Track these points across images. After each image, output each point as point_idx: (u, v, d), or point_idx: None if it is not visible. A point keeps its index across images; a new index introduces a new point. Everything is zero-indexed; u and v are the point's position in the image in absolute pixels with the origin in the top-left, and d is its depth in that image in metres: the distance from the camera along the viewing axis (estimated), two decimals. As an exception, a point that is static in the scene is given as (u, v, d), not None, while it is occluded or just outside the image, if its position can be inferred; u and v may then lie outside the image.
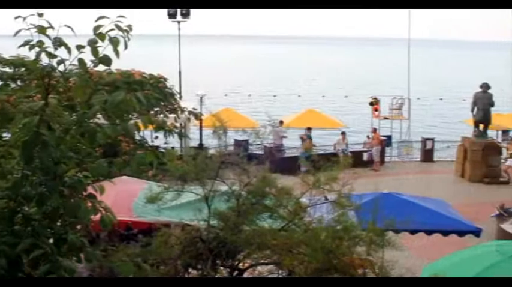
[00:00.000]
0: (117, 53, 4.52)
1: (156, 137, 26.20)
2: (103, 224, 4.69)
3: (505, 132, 36.60)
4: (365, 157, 34.35)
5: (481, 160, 31.37)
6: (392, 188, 20.51)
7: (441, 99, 71.37)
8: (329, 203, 7.96)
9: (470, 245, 13.81)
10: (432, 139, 37.04)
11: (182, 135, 23.85)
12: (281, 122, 34.78)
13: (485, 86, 31.87)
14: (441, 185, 30.56)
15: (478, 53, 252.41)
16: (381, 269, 7.13)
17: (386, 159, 36.35)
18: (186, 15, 39.78)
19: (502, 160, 32.26)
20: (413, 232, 15.60)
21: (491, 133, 35.53)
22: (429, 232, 15.75)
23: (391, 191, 17.07)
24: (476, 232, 15.92)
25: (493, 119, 34.05)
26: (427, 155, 36.44)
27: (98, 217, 4.79)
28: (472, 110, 32.28)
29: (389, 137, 37.68)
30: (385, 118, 40.43)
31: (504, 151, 32.72)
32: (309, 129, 35.09)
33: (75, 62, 4.51)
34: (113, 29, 4.43)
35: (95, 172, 4.66)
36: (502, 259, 10.59)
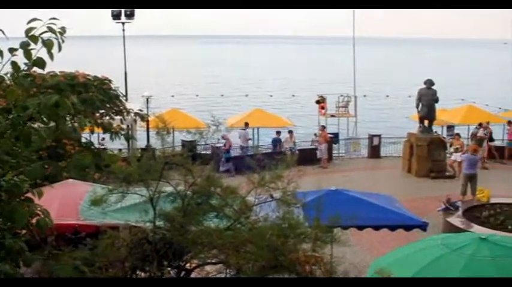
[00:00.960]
0: (51, 55, 4.44)
1: (103, 139, 25.98)
2: (39, 227, 4.62)
3: (449, 127, 37.19)
4: (318, 154, 34.56)
5: (426, 155, 31.85)
6: (341, 185, 20.69)
7: (387, 96, 72.22)
8: (275, 202, 7.97)
9: (417, 239, 13.99)
10: (379, 136, 37.41)
11: (129, 137, 23.61)
12: (246, 124, 35.02)
13: (429, 83, 32.34)
14: (388, 181, 30.93)
15: (429, 50, 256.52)
16: (326, 266, 7.18)
17: (334, 156, 36.62)
18: (130, 16, 39.44)
19: (447, 155, 32.76)
20: (361, 227, 15.80)
21: (437, 128, 36.04)
22: (376, 227, 15.94)
23: (339, 188, 17.21)
24: (423, 226, 16.16)
25: (438, 115, 34.58)
26: (374, 151, 36.83)
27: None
28: (417, 106, 32.77)
29: (336, 135, 38.01)
30: (332, 116, 40.71)
31: (449, 146, 33.25)
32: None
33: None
34: (46, 31, 4.35)
35: (30, 175, 4.59)
36: (447, 251, 10.75)
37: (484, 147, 33.92)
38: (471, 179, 26.17)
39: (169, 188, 8.32)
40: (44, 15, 4.51)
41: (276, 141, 34.92)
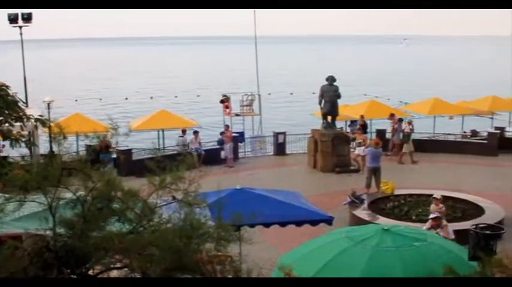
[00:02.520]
0: None
1: (3, 146, 25.28)
2: None
3: (353, 122, 37.81)
4: (222, 154, 34.53)
5: (331, 151, 32.31)
6: (247, 184, 20.84)
7: (291, 93, 73.02)
8: (178, 203, 7.90)
9: (325, 234, 14.13)
10: (283, 133, 37.68)
11: (30, 144, 22.98)
12: (184, 131, 34.76)
13: (331, 79, 32.78)
14: (294, 177, 31.22)
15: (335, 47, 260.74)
16: (231, 264, 7.18)
17: (240, 155, 36.67)
18: (27, 19, 38.36)
19: (351, 149, 33.32)
20: (267, 225, 15.85)
21: (340, 124, 36.60)
22: (283, 224, 16.03)
23: (245, 186, 17.28)
24: (329, 220, 16.37)
25: (341, 110, 35.14)
26: (280, 148, 37.08)
27: None
28: (320, 103, 33.18)
29: (241, 134, 38.06)
30: (237, 115, 40.79)
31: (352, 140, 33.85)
32: (183, 132, 35.22)
33: None
34: None
35: None
36: (351, 244, 10.94)
37: (410, 142, 34.69)
38: (375, 172, 26.71)
39: (69, 195, 8.14)
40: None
41: (183, 142, 34.71)
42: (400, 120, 36.32)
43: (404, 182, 27.95)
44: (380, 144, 28.32)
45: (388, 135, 37.64)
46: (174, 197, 7.74)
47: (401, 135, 35.23)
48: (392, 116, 37.01)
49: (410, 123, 35.54)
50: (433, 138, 39.41)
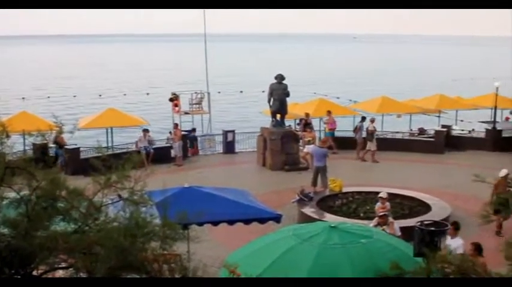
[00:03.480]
0: None
1: None
2: None
3: (301, 120, 37.96)
4: (173, 152, 34.37)
5: (280, 149, 32.45)
6: (196, 182, 20.76)
7: (241, 91, 73.07)
8: (124, 202, 7.84)
9: (273, 232, 14.18)
10: (233, 131, 37.67)
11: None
12: (144, 131, 34.44)
13: (280, 77, 32.89)
14: (244, 175, 31.25)
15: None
16: (177, 262, 7.16)
17: (190, 154, 36.55)
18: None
19: (300, 147, 33.48)
20: (215, 223, 15.86)
21: (289, 122, 36.76)
22: (231, 222, 16.05)
23: (194, 184, 17.23)
24: (277, 218, 16.44)
25: (290, 108, 35.29)
26: (229, 147, 37.07)
27: None
28: (269, 101, 33.25)
29: (192, 131, 37.90)
30: (186, 113, 40.64)
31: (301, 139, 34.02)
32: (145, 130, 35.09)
33: None
34: None
35: None
36: (298, 242, 11.00)
37: (374, 141, 34.99)
38: (320, 171, 26.81)
39: (13, 194, 8.01)
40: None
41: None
42: (363, 119, 36.64)
43: (356, 179, 28.29)
44: (327, 143, 28.45)
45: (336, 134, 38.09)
46: (120, 196, 7.69)
47: (364, 133, 35.53)
48: (329, 113, 37.24)
49: (373, 121, 35.90)
50: (382, 137, 39.82)
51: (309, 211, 23.27)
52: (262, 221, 16.29)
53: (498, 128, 39.51)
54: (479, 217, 8.21)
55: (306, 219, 21.42)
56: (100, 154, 7.83)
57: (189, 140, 36.78)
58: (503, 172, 19.46)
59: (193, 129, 38.08)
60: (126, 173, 7.15)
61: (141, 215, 6.97)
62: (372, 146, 34.74)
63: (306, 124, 35.68)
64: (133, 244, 6.68)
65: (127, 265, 6.71)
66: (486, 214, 8.05)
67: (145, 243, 6.79)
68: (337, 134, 38.30)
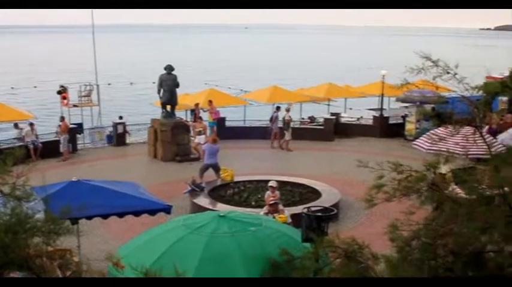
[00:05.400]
0: None
1: None
2: None
3: (192, 111, 37.88)
4: (61, 147, 33.55)
5: (171, 140, 32.32)
6: (86, 176, 20.46)
7: (132, 83, 72.22)
8: (5, 198, 7.60)
9: (164, 223, 14.14)
10: (123, 123, 37.20)
11: None
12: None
13: (169, 68, 32.72)
14: (135, 168, 30.97)
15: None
16: (63, 257, 7.01)
17: (79, 147, 35.87)
18: None
19: (191, 138, 33.44)
20: (105, 216, 15.68)
21: (180, 113, 36.67)
22: (121, 215, 15.89)
23: (83, 178, 16.94)
24: (167, 209, 16.39)
25: (181, 99, 35.19)
26: (120, 139, 36.56)
27: None
28: (159, 92, 33.03)
29: (80, 125, 37.17)
30: (75, 106, 39.78)
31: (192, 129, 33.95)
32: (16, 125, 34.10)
33: None
34: None
35: None
36: (188, 232, 11.01)
37: (290, 130, 35.36)
38: (211, 167, 26.87)
39: None
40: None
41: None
42: (278, 108, 36.86)
43: (250, 168, 28.55)
44: (217, 140, 28.59)
45: (227, 124, 38.32)
46: (1, 192, 7.45)
47: (279, 123, 35.74)
48: (210, 103, 37.31)
49: (288, 111, 36.22)
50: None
51: (200, 201, 23.32)
52: (152, 212, 16.22)
53: (385, 115, 40.66)
54: (365, 201, 8.41)
55: (198, 209, 21.44)
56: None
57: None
58: (444, 169, 19.81)
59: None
60: (7, 168, 6.92)
61: (23, 211, 6.77)
62: (287, 135, 35.11)
63: (197, 114, 35.65)
64: (15, 241, 6.49)
65: (8, 262, 6.53)
66: (370, 198, 8.24)
67: (27, 239, 6.61)
68: (227, 124, 38.52)
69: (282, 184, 23.42)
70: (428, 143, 21.18)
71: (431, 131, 15.34)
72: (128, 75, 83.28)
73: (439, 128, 9.24)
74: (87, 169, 29.97)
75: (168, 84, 32.50)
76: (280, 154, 34.44)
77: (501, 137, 26.17)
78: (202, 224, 11.11)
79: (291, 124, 35.97)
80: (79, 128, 36.52)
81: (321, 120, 40.16)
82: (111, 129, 37.35)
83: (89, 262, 6.91)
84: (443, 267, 7.79)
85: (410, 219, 8.10)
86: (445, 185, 8.46)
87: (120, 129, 36.62)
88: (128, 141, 37.22)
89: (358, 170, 8.69)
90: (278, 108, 36.88)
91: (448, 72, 7.76)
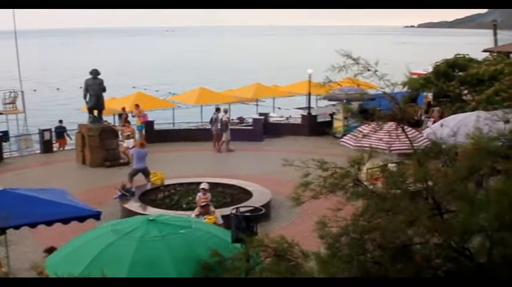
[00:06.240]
0: None
1: None
2: None
3: (120, 115, 37.53)
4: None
5: (99, 145, 31.91)
6: (14, 184, 20.08)
7: (58, 89, 71.20)
8: None
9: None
10: (50, 129, 36.53)
11: None
12: None
13: (95, 72, 32.32)
14: (64, 174, 30.44)
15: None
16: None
17: (6, 155, 35.07)
18: None
19: (120, 142, 33.12)
20: (33, 225, 15.38)
21: (108, 117, 36.26)
22: (49, 223, 15.59)
23: (9, 187, 16.61)
24: (96, 215, 16.17)
25: (108, 104, 34.82)
26: (47, 146, 35.92)
27: None
28: (85, 97, 32.61)
29: (5, 133, 36.35)
30: (0, 113, 38.97)
31: (120, 134, 33.64)
32: None
33: None
34: None
35: None
36: (118, 237, 10.88)
37: (228, 131, 35.26)
38: (141, 172, 26.68)
39: None
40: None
41: None
42: (217, 110, 36.70)
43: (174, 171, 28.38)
44: (145, 145, 28.33)
45: (156, 127, 38.14)
46: None
47: (219, 125, 35.59)
48: (137, 106, 37.05)
49: (226, 112, 36.22)
50: (202, 127, 40.29)
51: (131, 205, 23.13)
52: (81, 219, 15.97)
53: (313, 114, 41.04)
54: (292, 200, 8.49)
55: (129, 214, 21.15)
56: None
57: (56, 133, 36.64)
58: (370, 165, 20.02)
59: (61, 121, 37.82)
60: None
61: None
62: (226, 136, 35.04)
63: (125, 118, 35.31)
64: None
65: None
66: (297, 197, 8.33)
67: None
68: (156, 127, 38.33)
69: (213, 186, 23.44)
70: (355, 139, 21.49)
71: (358, 128, 15.57)
72: (54, 81, 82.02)
73: (364, 125, 9.39)
74: (13, 177, 29.33)
75: (94, 89, 32.11)
76: (211, 156, 34.41)
77: (426, 131, 26.74)
78: (132, 229, 11.01)
79: (229, 125, 35.96)
80: (5, 136, 35.72)
81: (250, 120, 40.27)
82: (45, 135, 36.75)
83: (16, 273, 6.80)
84: (371, 261, 7.93)
85: (339, 215, 8.22)
86: (371, 180, 8.61)
87: (46, 136, 35.97)
88: (55, 148, 36.59)
89: (288, 169, 8.75)
90: (218, 109, 36.79)
91: (368, 70, 7.91)
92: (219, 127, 35.70)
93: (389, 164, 9.05)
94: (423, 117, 37.83)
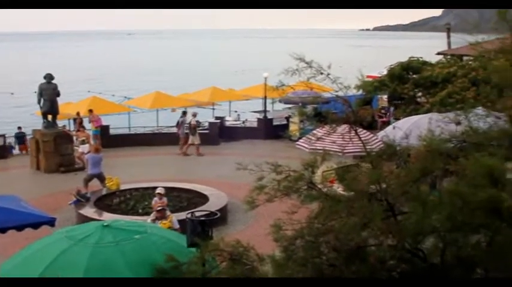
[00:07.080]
0: None
1: None
2: None
3: (75, 120, 37.23)
4: None
5: (53, 150, 31.56)
6: (-36, 191, 19.68)
7: (12, 93, 70.28)
8: None
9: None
10: (3, 135, 36.10)
11: None
12: None
13: (49, 77, 32.02)
14: (17, 181, 30.02)
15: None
16: None
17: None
18: None
19: (75, 147, 32.82)
20: (-15, 233, 15.14)
21: (63, 122, 35.97)
22: (2, 230, 15.34)
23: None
24: (51, 222, 15.96)
25: (62, 108, 34.50)
26: (1, 152, 35.48)
27: None
28: (39, 102, 32.28)
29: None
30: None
31: (76, 139, 33.36)
32: None
33: None
34: None
35: None
36: (72, 243, 10.76)
37: (197, 134, 35.28)
38: (96, 177, 26.46)
39: None
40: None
41: None
42: (184, 113, 36.55)
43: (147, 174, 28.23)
44: (100, 150, 28.13)
45: (112, 131, 37.90)
46: None
47: (185, 128, 35.44)
48: (90, 111, 36.77)
49: (195, 115, 36.09)
50: (158, 131, 40.16)
51: (86, 211, 22.94)
52: (35, 226, 15.74)
53: (269, 117, 41.17)
54: (246, 203, 8.50)
55: (85, 220, 20.97)
56: None
57: (17, 138, 36.79)
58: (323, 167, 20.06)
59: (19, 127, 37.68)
60: None
61: None
62: (195, 139, 34.93)
63: (80, 123, 35.02)
64: None
65: None
66: (252, 200, 8.33)
67: None
68: (112, 131, 38.09)
69: (169, 190, 23.38)
70: (310, 142, 21.60)
71: (313, 131, 15.66)
72: (7, 85, 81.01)
73: (318, 128, 9.44)
74: (-35, 184, 28.87)
75: (48, 94, 31.79)
76: (168, 160, 34.28)
77: (380, 134, 27.00)
78: (86, 235, 10.89)
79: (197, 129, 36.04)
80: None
81: (206, 124, 40.26)
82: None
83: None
84: (326, 264, 7.97)
85: (294, 218, 8.25)
86: (326, 183, 8.64)
87: (0, 141, 35.51)
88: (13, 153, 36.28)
89: (244, 173, 8.75)
90: (184, 113, 36.71)
91: (321, 73, 7.95)
92: (185, 131, 35.62)
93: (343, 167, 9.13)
94: (377, 119, 38.24)
